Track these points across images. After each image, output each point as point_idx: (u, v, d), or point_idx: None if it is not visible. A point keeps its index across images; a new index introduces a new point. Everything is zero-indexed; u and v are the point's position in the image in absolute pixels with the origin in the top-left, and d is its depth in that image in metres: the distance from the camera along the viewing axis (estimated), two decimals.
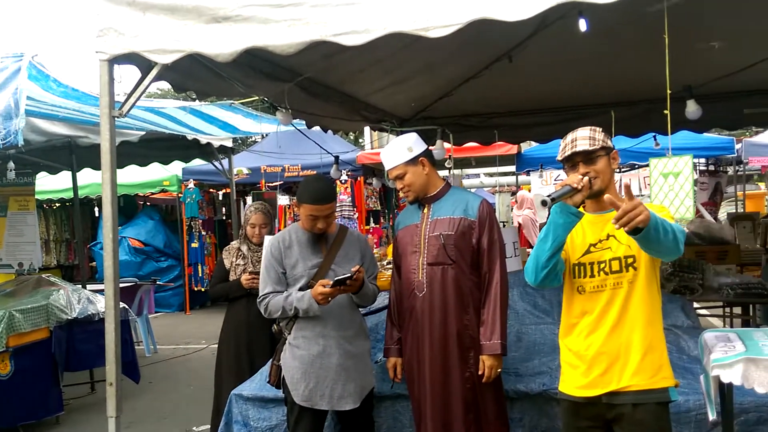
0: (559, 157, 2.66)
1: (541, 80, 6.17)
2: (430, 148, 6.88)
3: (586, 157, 2.59)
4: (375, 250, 7.25)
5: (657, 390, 2.55)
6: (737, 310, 6.79)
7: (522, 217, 11.84)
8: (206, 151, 8.83)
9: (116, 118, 3.66)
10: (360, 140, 19.96)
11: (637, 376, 2.56)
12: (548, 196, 2.48)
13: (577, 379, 2.68)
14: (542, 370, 3.65)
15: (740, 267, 6.67)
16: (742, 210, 13.81)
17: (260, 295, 3.47)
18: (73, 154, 7.77)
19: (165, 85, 4.25)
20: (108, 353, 3.61)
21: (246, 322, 4.51)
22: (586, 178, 2.54)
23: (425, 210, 3.43)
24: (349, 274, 3.20)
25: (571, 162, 2.62)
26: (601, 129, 2.66)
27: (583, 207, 2.68)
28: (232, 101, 8.93)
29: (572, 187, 2.50)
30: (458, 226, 3.32)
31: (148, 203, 14.32)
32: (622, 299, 2.59)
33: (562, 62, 5.63)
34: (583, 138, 2.60)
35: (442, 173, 7.18)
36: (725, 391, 2.56)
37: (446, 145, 7.36)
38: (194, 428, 5.67)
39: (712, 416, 2.61)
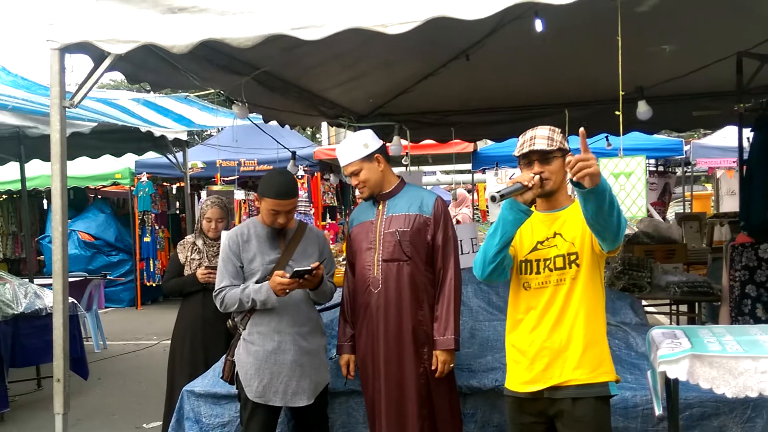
0: (516, 153, 2.67)
1: (497, 79, 6.24)
2: (387, 144, 6.92)
3: (542, 157, 2.61)
4: (331, 246, 7.23)
5: (597, 384, 2.60)
6: (683, 307, 6.96)
7: (461, 215, 11.99)
8: (160, 144, 8.69)
9: (67, 109, 3.57)
10: (317, 136, 19.88)
11: (577, 371, 2.60)
12: (498, 192, 2.52)
13: (520, 374, 2.72)
14: (495, 366, 3.69)
15: (687, 266, 6.84)
16: (689, 210, 14.18)
17: (216, 288, 3.43)
18: (22, 145, 7.58)
19: (118, 76, 4.17)
20: (56, 348, 3.54)
21: (201, 318, 4.45)
22: (537, 177, 2.57)
23: (380, 207, 3.44)
24: (309, 268, 3.19)
25: (527, 159, 2.64)
26: (560, 130, 2.69)
27: (534, 206, 2.72)
28: (187, 94, 8.82)
29: (523, 185, 2.53)
30: (414, 222, 3.34)
31: (99, 196, 14.03)
32: (564, 295, 2.64)
33: (519, 62, 5.70)
34: (542, 137, 2.62)
35: (399, 170, 7.22)
36: (671, 386, 2.62)
37: (403, 142, 7.38)
38: (144, 425, 5.58)
39: (658, 411, 2.68)
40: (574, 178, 2.23)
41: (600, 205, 2.31)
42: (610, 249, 2.53)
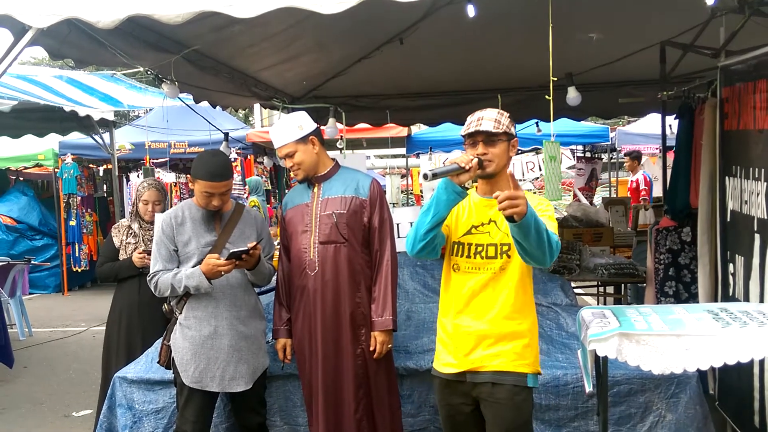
0: (462, 132, 2.66)
1: (431, 64, 6.27)
2: (322, 128, 6.88)
3: (488, 138, 2.60)
4: None
5: (514, 373, 2.64)
6: (609, 289, 7.19)
7: None
8: (85, 124, 8.42)
9: None
10: (250, 118, 19.58)
11: (498, 358, 2.64)
12: (431, 170, 2.49)
13: (445, 356, 2.76)
14: (431, 348, 3.70)
15: (613, 249, 7.06)
16: (615, 195, 14.62)
17: (150, 273, 3.36)
18: None
19: (40, 53, 3.99)
20: None
21: (137, 302, 4.34)
22: (475, 160, 2.55)
23: (315, 189, 3.42)
24: (245, 248, 3.15)
25: (473, 140, 2.63)
26: (508, 114, 2.69)
27: (476, 187, 2.74)
28: (113, 72, 8.55)
29: (459, 166, 2.51)
30: (350, 204, 3.34)
31: (21, 178, 13.48)
32: (493, 284, 2.65)
33: (452, 47, 5.74)
34: (490, 119, 2.61)
35: (336, 153, 7.18)
36: (600, 364, 2.70)
37: (338, 125, 7.34)
38: (74, 413, 5.43)
39: (588, 388, 2.76)
40: (504, 214, 2.29)
41: (526, 235, 2.35)
42: (537, 266, 2.56)
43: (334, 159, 3.52)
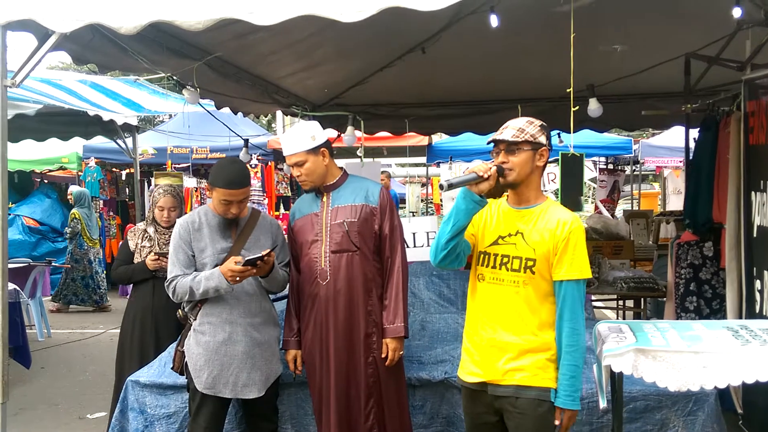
0: (489, 139, 2.69)
1: (452, 73, 6.25)
2: (341, 135, 6.89)
3: (508, 147, 2.61)
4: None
5: (537, 388, 2.62)
6: (629, 302, 7.11)
7: None
8: (109, 129, 8.50)
9: (10, 89, 3.44)
10: (273, 125, 19.68)
11: (520, 372, 2.63)
12: (447, 180, 2.55)
13: (470, 365, 2.76)
14: (445, 359, 3.71)
15: (633, 262, 6.98)
16: (637, 208, 14.49)
17: (168, 277, 3.36)
18: None
19: (68, 57, 4.05)
20: None
21: (151, 306, 4.35)
22: (494, 168, 2.56)
23: (324, 198, 3.41)
24: (260, 255, 3.14)
25: (497, 148, 2.65)
26: (539, 123, 2.68)
27: (506, 197, 2.74)
28: (136, 77, 8.64)
29: (478, 175, 2.53)
30: (361, 212, 3.34)
31: (45, 181, 13.65)
32: (517, 298, 2.64)
33: (474, 57, 5.72)
34: (513, 128, 2.63)
35: (353, 161, 7.16)
36: (616, 380, 2.66)
37: (357, 133, 7.34)
38: (89, 416, 5.45)
39: (603, 404, 2.72)
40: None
41: None
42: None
43: (341, 168, 3.52)
